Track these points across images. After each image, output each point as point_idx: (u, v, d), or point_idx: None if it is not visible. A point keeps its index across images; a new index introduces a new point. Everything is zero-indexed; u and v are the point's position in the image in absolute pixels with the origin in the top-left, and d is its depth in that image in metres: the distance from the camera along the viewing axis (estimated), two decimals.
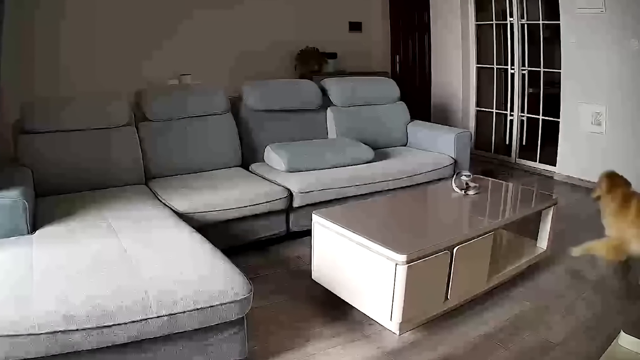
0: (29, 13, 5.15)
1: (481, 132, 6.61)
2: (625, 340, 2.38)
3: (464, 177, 3.42)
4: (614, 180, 3.26)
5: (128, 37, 5.67)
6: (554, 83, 5.66)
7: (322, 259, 2.92)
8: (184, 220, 2.89)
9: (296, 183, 3.68)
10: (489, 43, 6.31)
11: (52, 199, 3.17)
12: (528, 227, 3.44)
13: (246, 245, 3.52)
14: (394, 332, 2.60)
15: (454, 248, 2.58)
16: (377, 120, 4.87)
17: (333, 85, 4.78)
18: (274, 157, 3.94)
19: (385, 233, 2.71)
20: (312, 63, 6.87)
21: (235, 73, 6.01)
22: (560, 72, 5.39)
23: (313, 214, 2.95)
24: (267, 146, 4.08)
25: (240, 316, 2.14)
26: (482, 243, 2.76)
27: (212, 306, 2.03)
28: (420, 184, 4.23)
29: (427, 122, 5.36)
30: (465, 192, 3.35)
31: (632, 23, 4.63)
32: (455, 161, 4.53)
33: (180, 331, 2.01)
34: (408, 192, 3.86)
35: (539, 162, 5.92)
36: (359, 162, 4.12)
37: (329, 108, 4.68)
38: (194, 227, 2.78)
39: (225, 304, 2.06)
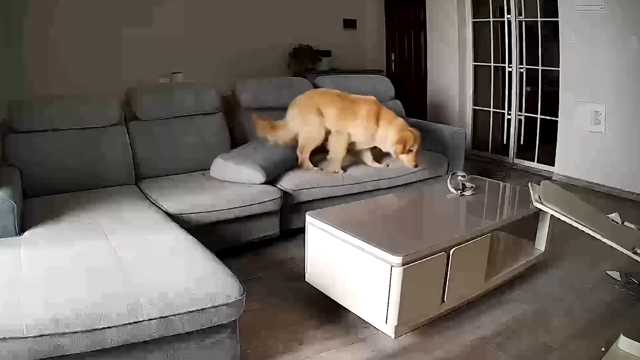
0: (20, 10, 5.10)
1: (478, 132, 6.58)
2: (624, 343, 2.36)
3: (459, 178, 3.39)
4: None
5: (119, 34, 5.64)
6: (552, 81, 5.62)
7: (315, 260, 2.88)
8: (174, 222, 2.85)
9: (289, 181, 3.65)
10: (486, 41, 6.28)
11: (41, 200, 3.14)
12: (526, 229, 3.39)
13: (238, 247, 3.48)
14: (389, 336, 2.57)
15: (450, 250, 2.55)
16: None
17: (327, 83, 4.74)
18: (242, 171, 3.55)
19: (381, 234, 2.68)
20: (306, 61, 6.85)
21: (228, 71, 5.97)
22: (559, 70, 5.35)
23: (307, 215, 2.91)
24: (218, 159, 3.68)
25: (233, 319, 2.11)
26: (479, 244, 2.73)
27: (203, 309, 2.00)
28: (414, 182, 4.22)
29: (422, 120, 5.33)
30: (461, 192, 3.31)
31: (632, 20, 4.60)
32: (449, 159, 4.51)
33: (171, 334, 1.98)
34: (403, 193, 3.84)
35: (537, 162, 5.89)
36: None
37: None
38: (184, 229, 2.74)
39: (217, 306, 2.02)
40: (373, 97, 4.06)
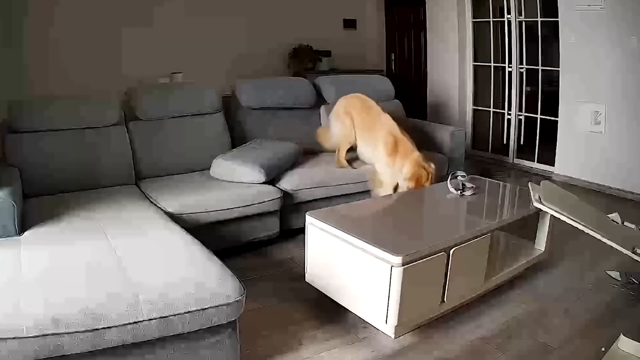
0: (20, 10, 5.10)
1: (478, 132, 6.58)
2: (624, 343, 2.36)
3: (459, 178, 3.39)
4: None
5: (119, 34, 5.65)
6: (552, 81, 5.63)
7: (315, 260, 2.88)
8: (174, 221, 2.85)
9: (289, 181, 3.65)
10: (486, 41, 6.28)
11: (41, 200, 3.14)
12: (526, 229, 3.39)
13: (238, 247, 3.48)
14: (389, 336, 2.56)
15: (450, 250, 2.55)
16: None
17: (327, 84, 4.75)
18: (243, 171, 3.54)
19: (381, 234, 2.68)
20: (306, 61, 6.85)
21: (228, 71, 5.98)
22: (559, 70, 5.35)
23: (307, 215, 2.90)
24: (219, 159, 3.66)
25: (233, 319, 2.10)
26: (479, 244, 2.72)
27: (203, 309, 1.99)
28: None
29: (422, 120, 5.35)
30: (461, 192, 3.31)
31: (632, 20, 4.60)
32: (450, 159, 4.51)
33: (171, 334, 1.97)
34: (403, 193, 3.83)
35: (537, 162, 5.89)
36: None
37: (322, 106, 4.64)
38: (184, 228, 2.73)
39: (217, 306, 2.02)
40: (390, 122, 3.94)
